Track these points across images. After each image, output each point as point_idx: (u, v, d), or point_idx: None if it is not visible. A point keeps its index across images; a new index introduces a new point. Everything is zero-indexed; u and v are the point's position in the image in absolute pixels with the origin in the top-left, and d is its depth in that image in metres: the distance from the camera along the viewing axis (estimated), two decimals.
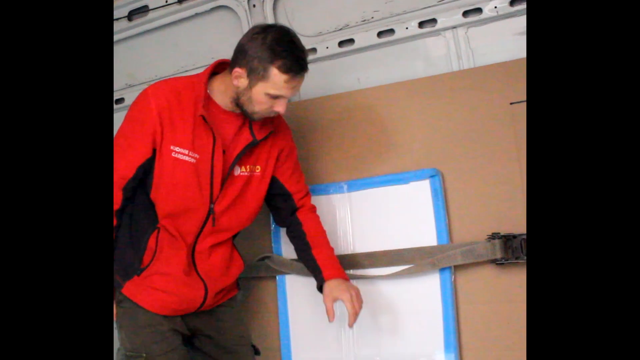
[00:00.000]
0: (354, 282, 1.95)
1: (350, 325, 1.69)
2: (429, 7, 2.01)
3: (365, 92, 2.07)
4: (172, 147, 1.59)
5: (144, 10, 2.33)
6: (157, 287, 1.67)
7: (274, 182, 1.80)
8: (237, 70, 1.58)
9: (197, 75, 1.68)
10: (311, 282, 1.97)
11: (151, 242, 1.66)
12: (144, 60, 2.51)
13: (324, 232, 1.87)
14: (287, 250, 2.09)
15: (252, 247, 2.12)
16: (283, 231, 2.08)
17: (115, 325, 1.71)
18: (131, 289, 1.68)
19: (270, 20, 2.25)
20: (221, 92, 1.66)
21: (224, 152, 1.65)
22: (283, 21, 2.27)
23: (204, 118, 1.60)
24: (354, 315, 1.68)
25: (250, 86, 1.58)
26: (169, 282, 1.67)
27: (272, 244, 2.11)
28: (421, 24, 2.04)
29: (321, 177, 2.07)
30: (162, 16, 2.40)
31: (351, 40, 2.16)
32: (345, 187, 2.02)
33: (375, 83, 2.10)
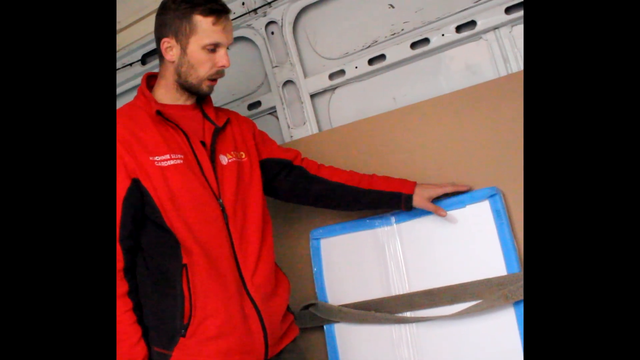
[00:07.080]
0: (413, 326, 1.72)
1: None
2: (466, 9, 1.81)
3: (403, 111, 1.86)
4: (151, 159, 1.48)
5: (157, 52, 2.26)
6: (212, 334, 1.45)
7: (267, 163, 1.70)
8: (165, 41, 1.53)
9: (136, 96, 1.62)
10: (363, 329, 1.75)
11: (184, 287, 1.45)
12: None
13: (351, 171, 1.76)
14: (333, 295, 1.87)
15: (293, 294, 1.89)
16: (327, 275, 1.88)
17: None
18: (181, 356, 1.45)
19: (292, 47, 2.08)
20: (165, 88, 1.59)
21: (202, 143, 1.56)
22: (305, 46, 2.12)
23: (159, 112, 1.52)
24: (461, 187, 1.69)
25: (184, 50, 1.53)
26: (222, 323, 1.46)
27: (316, 290, 1.89)
28: (458, 29, 1.83)
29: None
30: None
31: (382, 57, 1.96)
32: (392, 219, 1.79)
33: (413, 100, 1.89)
